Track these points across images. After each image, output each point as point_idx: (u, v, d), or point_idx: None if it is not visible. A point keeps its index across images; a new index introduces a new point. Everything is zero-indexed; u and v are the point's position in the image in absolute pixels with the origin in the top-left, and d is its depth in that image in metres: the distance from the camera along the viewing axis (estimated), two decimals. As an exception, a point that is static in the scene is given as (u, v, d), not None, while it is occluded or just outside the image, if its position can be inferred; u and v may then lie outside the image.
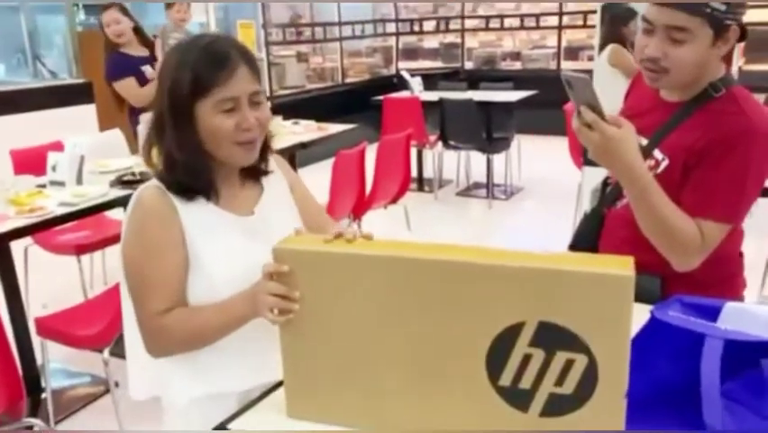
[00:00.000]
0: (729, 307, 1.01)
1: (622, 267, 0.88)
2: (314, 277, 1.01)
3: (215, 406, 1.19)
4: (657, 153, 1.39)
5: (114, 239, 3.27)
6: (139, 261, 1.18)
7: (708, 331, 0.95)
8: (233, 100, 1.15)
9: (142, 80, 3.74)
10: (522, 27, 8.27)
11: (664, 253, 1.33)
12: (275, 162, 1.37)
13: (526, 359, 0.92)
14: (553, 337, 0.89)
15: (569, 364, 0.90)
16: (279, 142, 3.72)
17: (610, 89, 2.17)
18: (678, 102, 1.40)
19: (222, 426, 1.07)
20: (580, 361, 0.89)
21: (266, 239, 1.18)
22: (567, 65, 7.78)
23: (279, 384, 1.13)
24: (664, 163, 1.37)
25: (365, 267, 0.98)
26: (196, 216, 1.21)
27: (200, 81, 1.13)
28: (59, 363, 2.86)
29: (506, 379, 0.93)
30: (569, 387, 0.91)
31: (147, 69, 3.80)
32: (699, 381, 0.91)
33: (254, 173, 1.30)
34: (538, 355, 0.91)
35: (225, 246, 1.20)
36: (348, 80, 7.97)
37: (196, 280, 1.19)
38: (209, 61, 1.14)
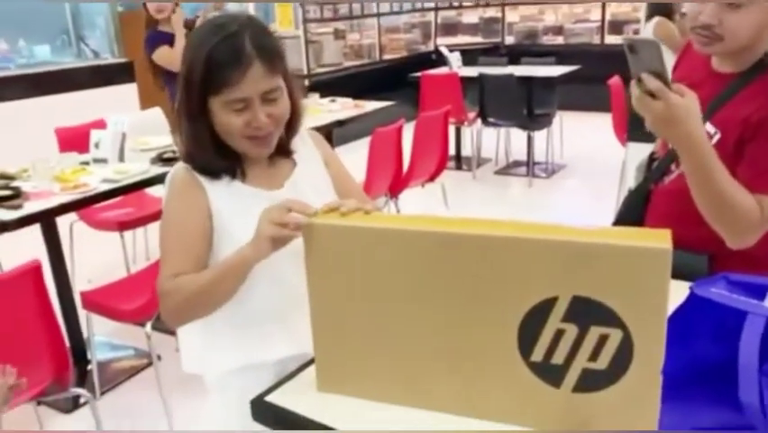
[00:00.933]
0: None
1: (659, 240, 0.85)
2: (345, 252, 1.00)
3: (252, 378, 1.20)
4: (709, 127, 1.33)
5: (155, 216, 3.34)
6: (162, 232, 1.21)
7: (750, 308, 0.91)
8: (244, 101, 1.14)
9: None
10: (564, 0, 8.04)
11: (720, 228, 1.27)
12: (310, 138, 1.37)
13: (559, 334, 0.89)
14: (586, 312, 0.87)
15: (603, 340, 0.87)
16: (316, 121, 3.73)
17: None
18: (731, 73, 1.33)
19: (259, 398, 1.07)
20: (615, 336, 0.87)
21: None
22: (611, 39, 7.56)
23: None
24: (716, 137, 1.31)
25: (396, 242, 0.97)
26: (224, 193, 1.22)
27: (211, 79, 1.13)
28: (104, 337, 2.94)
29: (538, 354, 0.92)
30: (603, 362, 0.88)
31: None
32: (737, 359, 0.87)
33: (282, 151, 1.30)
34: (571, 331, 0.88)
35: (253, 219, 1.18)
36: (385, 57, 7.89)
37: (220, 255, 1.20)
38: (222, 59, 1.12)
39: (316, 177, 1.34)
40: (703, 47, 1.32)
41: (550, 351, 0.91)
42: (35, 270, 1.78)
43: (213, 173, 1.22)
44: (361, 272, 1.00)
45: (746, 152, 1.27)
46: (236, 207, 1.21)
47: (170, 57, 3.68)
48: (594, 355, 0.89)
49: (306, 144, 1.35)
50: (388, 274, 0.98)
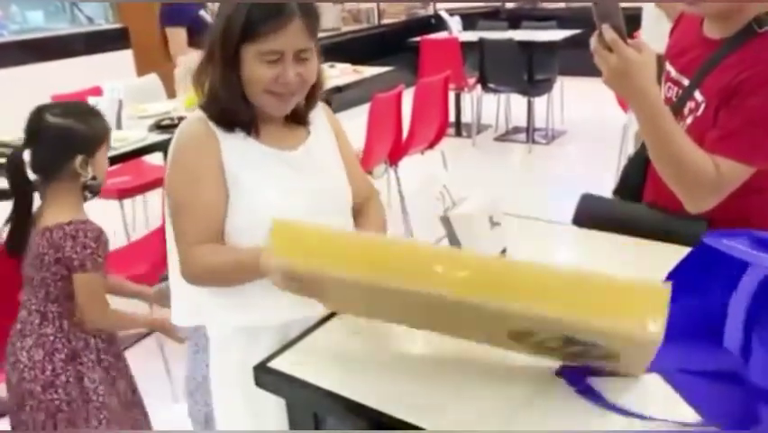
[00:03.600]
0: None
1: (651, 313, 0.76)
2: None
3: (254, 340, 1.21)
4: (697, 95, 1.31)
5: (155, 184, 3.33)
6: (178, 187, 1.21)
7: (755, 260, 0.91)
8: (278, 53, 1.14)
9: (197, 28, 3.69)
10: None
11: (675, 189, 1.26)
12: (324, 112, 1.37)
13: (544, 343, 0.89)
14: (572, 341, 0.86)
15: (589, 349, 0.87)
16: (315, 86, 3.69)
17: (655, 31, 2.06)
18: (720, 39, 1.30)
19: (262, 364, 1.08)
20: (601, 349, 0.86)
21: (309, 171, 1.23)
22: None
23: (319, 322, 1.15)
24: (703, 106, 1.29)
25: (360, 290, 0.94)
26: (237, 147, 1.22)
27: (251, 26, 1.13)
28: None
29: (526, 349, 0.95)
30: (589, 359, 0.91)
31: (204, 13, 3.77)
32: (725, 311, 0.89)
33: (297, 119, 1.30)
34: (557, 343, 0.88)
35: (265, 176, 1.22)
36: (384, 22, 7.78)
37: (237, 210, 1.20)
38: (266, 8, 1.13)
39: (328, 149, 1.35)
40: (689, 5, 1.29)
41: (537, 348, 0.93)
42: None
43: (229, 123, 1.21)
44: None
45: (719, 116, 1.25)
46: (248, 163, 1.21)
47: (179, 51, 3.59)
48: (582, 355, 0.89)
49: (320, 117, 1.35)
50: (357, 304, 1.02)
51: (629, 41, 1.12)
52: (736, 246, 0.96)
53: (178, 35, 3.68)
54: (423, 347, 1.10)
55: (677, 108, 1.33)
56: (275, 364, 1.07)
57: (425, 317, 0.99)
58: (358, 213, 1.38)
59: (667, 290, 0.76)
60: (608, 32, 1.11)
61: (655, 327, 0.75)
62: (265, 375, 1.06)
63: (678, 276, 1.01)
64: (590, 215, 1.56)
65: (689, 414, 0.87)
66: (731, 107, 1.22)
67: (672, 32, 1.52)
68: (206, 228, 1.18)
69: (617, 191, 1.58)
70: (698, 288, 0.96)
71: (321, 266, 0.91)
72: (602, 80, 1.17)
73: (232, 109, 1.20)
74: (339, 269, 0.89)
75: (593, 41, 1.15)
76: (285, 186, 1.22)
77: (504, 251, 1.37)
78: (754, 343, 0.86)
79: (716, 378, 0.90)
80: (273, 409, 1.16)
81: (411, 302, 0.90)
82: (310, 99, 1.28)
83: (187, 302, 1.31)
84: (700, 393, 0.90)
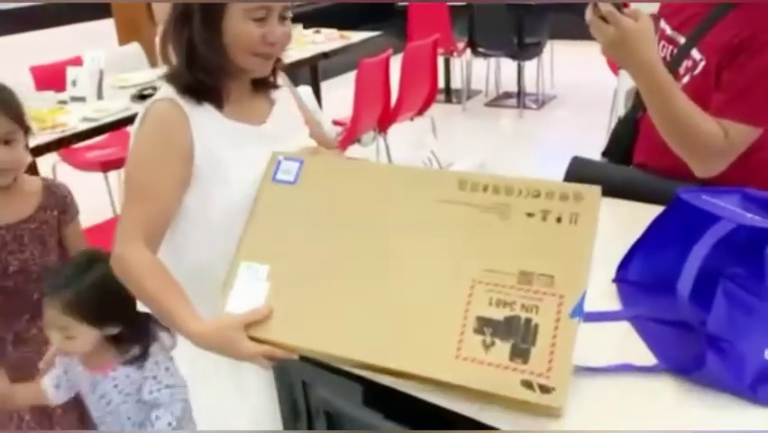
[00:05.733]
0: None
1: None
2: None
3: None
4: (695, 53, 1.28)
5: (140, 155, 3.28)
6: (138, 169, 1.15)
7: (725, 214, 0.92)
8: (266, 9, 1.12)
9: None
10: None
11: (683, 155, 1.24)
12: (281, 79, 1.35)
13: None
14: None
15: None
16: (300, 53, 3.62)
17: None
18: None
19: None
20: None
21: (281, 141, 1.19)
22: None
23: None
24: (701, 64, 1.27)
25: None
26: (208, 125, 1.17)
27: None
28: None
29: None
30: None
31: None
32: (701, 265, 0.89)
33: (264, 85, 1.28)
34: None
35: (239, 153, 1.18)
36: (372, -14, 7.62)
37: (212, 189, 1.16)
38: None
39: (292, 113, 1.34)
40: None
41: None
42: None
43: (198, 94, 1.16)
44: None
45: (723, 76, 1.23)
46: (220, 141, 1.17)
47: (165, 10, 3.50)
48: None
49: (280, 83, 1.34)
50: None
51: (625, 10, 1.10)
52: (709, 201, 0.97)
53: (163, 4, 3.58)
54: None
55: (672, 67, 1.31)
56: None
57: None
58: None
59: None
60: (604, 4, 1.09)
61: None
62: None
63: (656, 230, 1.05)
64: (580, 178, 1.53)
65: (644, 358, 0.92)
66: (736, 66, 1.20)
67: None
68: (152, 223, 1.11)
69: (606, 152, 1.56)
70: (673, 241, 0.97)
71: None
72: (600, 51, 1.15)
73: (210, 69, 1.15)
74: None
75: (588, 13, 1.13)
76: (256, 163, 1.14)
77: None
78: (718, 294, 0.88)
79: (673, 325, 0.94)
80: (255, 381, 1.16)
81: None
82: (276, 62, 1.24)
83: None
84: (660, 339, 0.94)
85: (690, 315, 0.89)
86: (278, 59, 1.25)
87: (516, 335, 0.83)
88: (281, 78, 1.34)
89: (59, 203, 1.52)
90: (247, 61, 1.16)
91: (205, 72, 1.16)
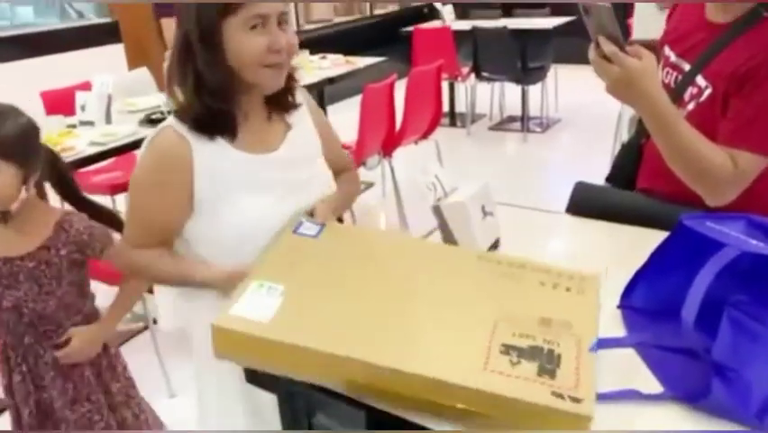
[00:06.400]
0: None
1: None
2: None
3: None
4: (700, 80, 1.29)
5: (147, 179, 3.30)
6: (137, 194, 1.19)
7: (729, 240, 0.92)
8: (264, 17, 1.09)
9: None
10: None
11: (694, 186, 1.24)
12: (301, 96, 1.32)
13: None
14: None
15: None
16: (306, 78, 3.66)
17: (648, 17, 2.04)
18: (724, 23, 1.28)
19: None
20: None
21: (293, 168, 1.21)
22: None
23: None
24: (707, 91, 1.27)
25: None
26: (214, 156, 1.16)
27: None
28: (99, 301, 2.94)
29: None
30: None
31: None
32: (706, 292, 0.89)
33: (281, 106, 1.26)
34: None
35: (250, 183, 1.18)
36: (377, 12, 7.72)
37: (222, 218, 1.16)
38: None
39: (309, 142, 1.31)
40: None
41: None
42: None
43: (210, 127, 1.14)
44: None
45: (730, 104, 1.23)
46: (237, 177, 1.16)
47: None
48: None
49: (299, 101, 1.31)
50: None
51: (628, 48, 1.10)
52: (713, 227, 0.97)
53: (173, 26, 3.64)
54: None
55: (677, 94, 1.32)
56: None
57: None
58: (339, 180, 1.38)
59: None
60: (607, 45, 1.09)
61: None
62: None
63: (659, 256, 1.05)
64: (584, 203, 1.55)
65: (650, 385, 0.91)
66: (744, 95, 1.21)
67: (669, 16, 1.50)
68: (148, 238, 1.18)
69: (609, 178, 1.57)
70: (677, 268, 0.96)
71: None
72: (605, 90, 1.16)
73: (221, 96, 1.13)
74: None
75: (591, 53, 1.13)
76: (272, 192, 1.18)
77: (497, 241, 1.36)
78: (723, 321, 0.88)
79: (678, 352, 0.94)
80: (270, 404, 1.15)
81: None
82: (290, 85, 1.23)
83: (174, 305, 1.30)
84: (665, 366, 0.94)
85: (696, 342, 0.89)
86: (293, 77, 1.23)
87: (541, 358, 0.84)
88: (300, 95, 1.30)
89: (72, 242, 1.46)
90: (257, 75, 1.13)
91: (213, 96, 1.13)
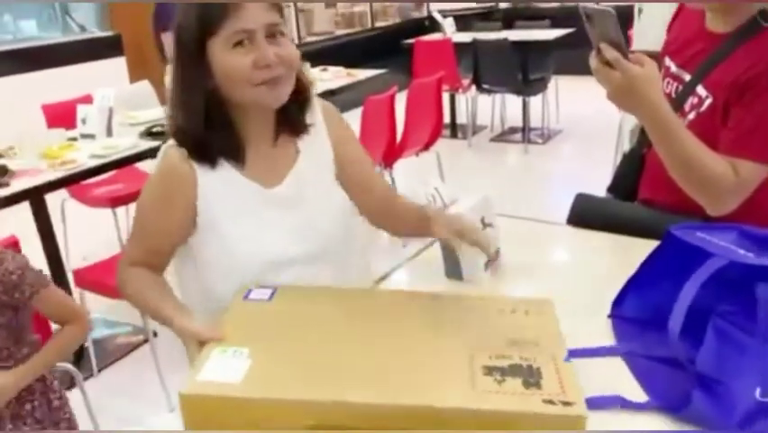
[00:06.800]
0: None
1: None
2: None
3: None
4: (701, 90, 1.28)
5: (148, 191, 3.30)
6: (137, 211, 1.16)
7: (717, 250, 0.93)
8: (247, 33, 1.02)
9: None
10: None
11: (695, 195, 1.24)
12: (322, 115, 1.22)
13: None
14: None
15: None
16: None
17: (648, 28, 2.04)
18: (724, 33, 1.28)
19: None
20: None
21: (294, 206, 1.14)
22: (609, 3, 7.41)
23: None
24: (708, 101, 1.27)
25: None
26: (217, 184, 1.10)
27: (207, 15, 1.02)
28: (100, 314, 2.94)
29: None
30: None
31: None
32: (694, 301, 0.89)
33: (291, 127, 1.16)
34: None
35: (246, 219, 1.11)
36: (378, 24, 7.77)
37: (211, 247, 1.12)
38: None
39: (319, 171, 1.20)
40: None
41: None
42: (12, 246, 1.74)
43: (210, 155, 1.09)
44: None
45: (731, 114, 1.22)
46: (229, 202, 1.11)
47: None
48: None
49: (318, 124, 1.20)
50: None
51: (630, 55, 1.10)
52: (703, 237, 0.97)
53: (172, 41, 3.64)
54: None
55: (678, 104, 1.32)
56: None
57: None
58: (387, 215, 1.29)
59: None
60: (609, 51, 1.09)
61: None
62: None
63: (649, 266, 1.05)
64: (585, 214, 1.54)
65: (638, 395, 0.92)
66: (744, 105, 1.20)
67: (669, 27, 1.50)
68: (145, 254, 1.16)
69: (611, 189, 1.56)
70: (666, 278, 0.96)
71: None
72: (606, 97, 1.15)
73: (208, 125, 1.06)
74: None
75: (593, 61, 1.13)
76: (263, 231, 1.12)
77: (497, 252, 1.35)
78: (709, 331, 0.88)
79: (664, 362, 0.95)
80: None
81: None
82: (301, 102, 1.15)
83: None
84: (650, 376, 0.95)
85: (680, 352, 0.89)
86: (303, 92, 1.14)
87: (523, 374, 0.85)
88: (319, 112, 1.21)
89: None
90: (250, 95, 1.05)
91: (198, 123, 1.06)
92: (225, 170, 1.11)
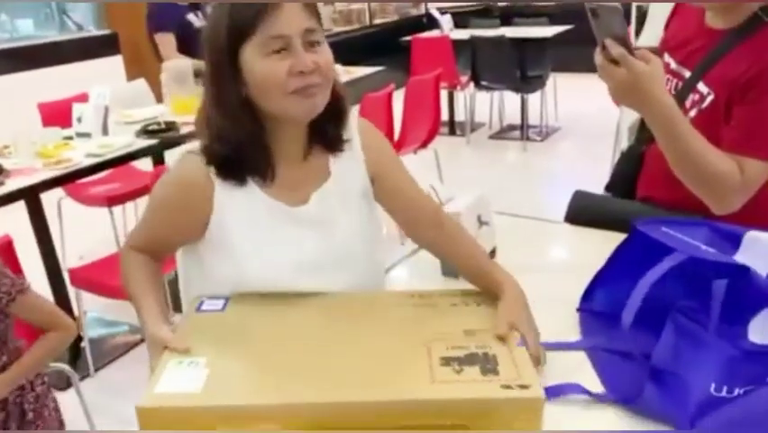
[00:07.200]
0: (749, 235, 0.97)
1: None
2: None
3: None
4: (702, 87, 1.27)
5: (144, 190, 3.28)
6: (150, 201, 1.13)
7: (678, 246, 0.93)
8: (283, 39, 0.96)
9: (186, 32, 3.63)
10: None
11: (701, 194, 1.22)
12: (358, 134, 1.13)
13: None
14: None
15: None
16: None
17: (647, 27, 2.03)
18: (724, 29, 1.27)
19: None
20: None
21: (317, 231, 1.09)
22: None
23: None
24: (709, 98, 1.25)
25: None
26: (237, 199, 1.05)
27: (240, 21, 0.96)
28: (97, 313, 2.93)
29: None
30: None
31: (193, 17, 3.71)
32: (656, 296, 0.90)
33: (325, 142, 1.10)
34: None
35: (260, 235, 1.06)
36: (376, 22, 7.75)
37: (223, 263, 1.07)
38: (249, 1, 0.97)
39: (349, 191, 1.12)
40: None
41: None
42: (6, 245, 1.73)
43: (235, 174, 1.03)
44: None
45: (734, 113, 1.21)
46: (246, 218, 1.05)
47: (170, 58, 3.51)
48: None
49: (354, 142, 1.13)
50: None
51: (635, 52, 1.09)
52: (667, 233, 0.98)
53: (167, 41, 3.63)
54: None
55: (678, 101, 1.30)
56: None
57: None
58: (435, 243, 1.18)
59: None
60: (614, 48, 1.08)
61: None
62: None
63: (615, 260, 1.06)
64: (582, 212, 1.54)
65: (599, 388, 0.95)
66: (747, 102, 1.19)
67: (668, 23, 1.49)
68: (150, 244, 1.13)
69: (609, 186, 1.55)
70: (630, 272, 0.97)
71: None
72: (610, 95, 1.14)
73: (240, 141, 1.01)
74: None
75: (598, 57, 1.11)
76: (280, 251, 1.06)
77: (493, 250, 1.34)
78: (667, 326, 0.90)
79: (622, 355, 0.97)
80: None
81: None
82: (336, 115, 1.07)
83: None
84: (608, 369, 0.97)
85: (633, 345, 0.91)
86: (339, 105, 1.07)
87: (480, 361, 0.88)
88: (356, 131, 1.13)
89: None
90: (284, 104, 0.98)
91: (232, 148, 1.01)
92: (249, 187, 1.05)
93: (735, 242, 0.98)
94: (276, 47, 0.96)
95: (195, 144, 1.06)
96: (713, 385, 0.84)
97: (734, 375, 0.84)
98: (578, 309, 1.12)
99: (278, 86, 0.97)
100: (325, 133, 1.08)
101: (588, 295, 1.12)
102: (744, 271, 0.86)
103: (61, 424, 1.57)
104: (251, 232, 1.05)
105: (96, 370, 2.62)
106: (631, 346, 0.91)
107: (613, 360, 0.99)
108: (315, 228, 1.08)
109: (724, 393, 0.84)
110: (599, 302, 1.10)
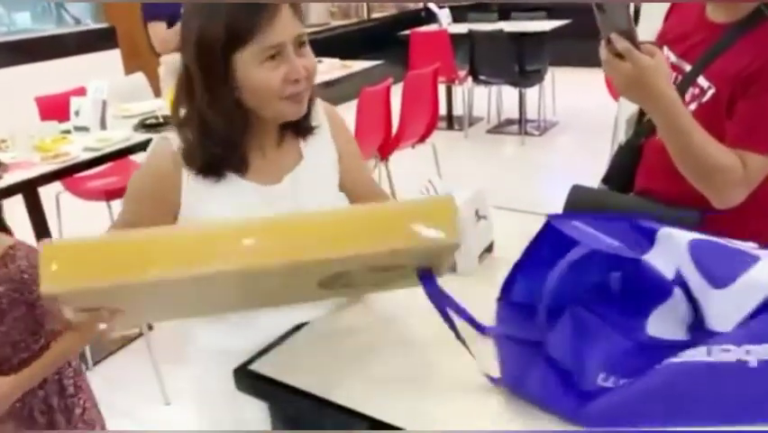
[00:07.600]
0: (663, 231, 0.98)
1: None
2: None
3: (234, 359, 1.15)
4: (702, 81, 1.27)
5: (142, 184, 3.28)
6: (127, 190, 1.15)
7: (583, 239, 0.94)
8: (278, 47, 0.99)
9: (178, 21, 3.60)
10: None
11: (703, 188, 1.23)
12: (325, 117, 1.20)
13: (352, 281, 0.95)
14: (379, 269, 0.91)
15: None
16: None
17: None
18: (725, 23, 1.26)
19: (243, 367, 1.05)
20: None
21: (289, 204, 1.10)
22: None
23: (297, 326, 1.12)
24: (710, 92, 1.25)
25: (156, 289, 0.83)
26: (208, 187, 1.08)
27: (237, 29, 0.98)
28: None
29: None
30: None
31: None
32: (563, 289, 0.91)
33: (297, 130, 1.15)
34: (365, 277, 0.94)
35: (230, 212, 1.07)
36: (374, 16, 7.73)
37: None
38: (245, 5, 0.98)
39: (322, 174, 1.19)
40: None
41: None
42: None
43: (214, 171, 1.06)
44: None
45: (737, 107, 1.21)
46: (219, 202, 1.08)
47: (163, 41, 3.47)
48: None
49: (322, 124, 1.19)
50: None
51: (641, 46, 1.09)
52: (576, 226, 0.99)
53: (157, 30, 3.58)
54: (405, 350, 1.07)
55: (678, 94, 1.30)
56: (257, 367, 1.04)
57: (232, 298, 0.99)
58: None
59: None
60: (620, 42, 1.08)
61: (450, 232, 0.84)
62: (246, 379, 1.03)
63: (529, 253, 1.08)
64: (580, 206, 1.53)
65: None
66: (750, 97, 1.19)
67: (667, 16, 1.48)
68: (128, 228, 1.12)
69: (606, 179, 1.55)
70: (542, 265, 0.98)
71: (109, 279, 0.81)
72: (616, 89, 1.15)
73: (228, 139, 1.04)
74: (127, 276, 0.81)
75: (603, 52, 1.12)
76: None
77: (491, 245, 1.34)
78: (565, 317, 0.90)
79: (521, 343, 0.97)
80: (255, 415, 1.13)
81: (215, 286, 0.87)
82: (308, 105, 1.12)
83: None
84: (507, 356, 0.97)
85: (534, 335, 0.92)
86: (312, 99, 1.12)
87: None
88: (322, 112, 1.20)
89: (10, 279, 1.35)
90: (276, 109, 1.04)
91: (223, 146, 1.04)
92: (227, 178, 1.09)
93: (650, 238, 0.98)
94: (271, 54, 1.00)
95: (162, 134, 1.10)
96: (601, 375, 0.85)
97: (623, 366, 0.85)
98: (497, 299, 1.12)
99: (273, 92, 1.02)
100: (297, 121, 1.12)
101: (509, 286, 1.12)
102: (635, 263, 0.88)
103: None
104: (218, 208, 1.07)
105: (95, 363, 2.63)
106: (537, 337, 0.92)
107: (513, 348, 0.98)
108: (286, 205, 1.11)
109: (610, 384, 0.84)
110: (521, 293, 1.10)
